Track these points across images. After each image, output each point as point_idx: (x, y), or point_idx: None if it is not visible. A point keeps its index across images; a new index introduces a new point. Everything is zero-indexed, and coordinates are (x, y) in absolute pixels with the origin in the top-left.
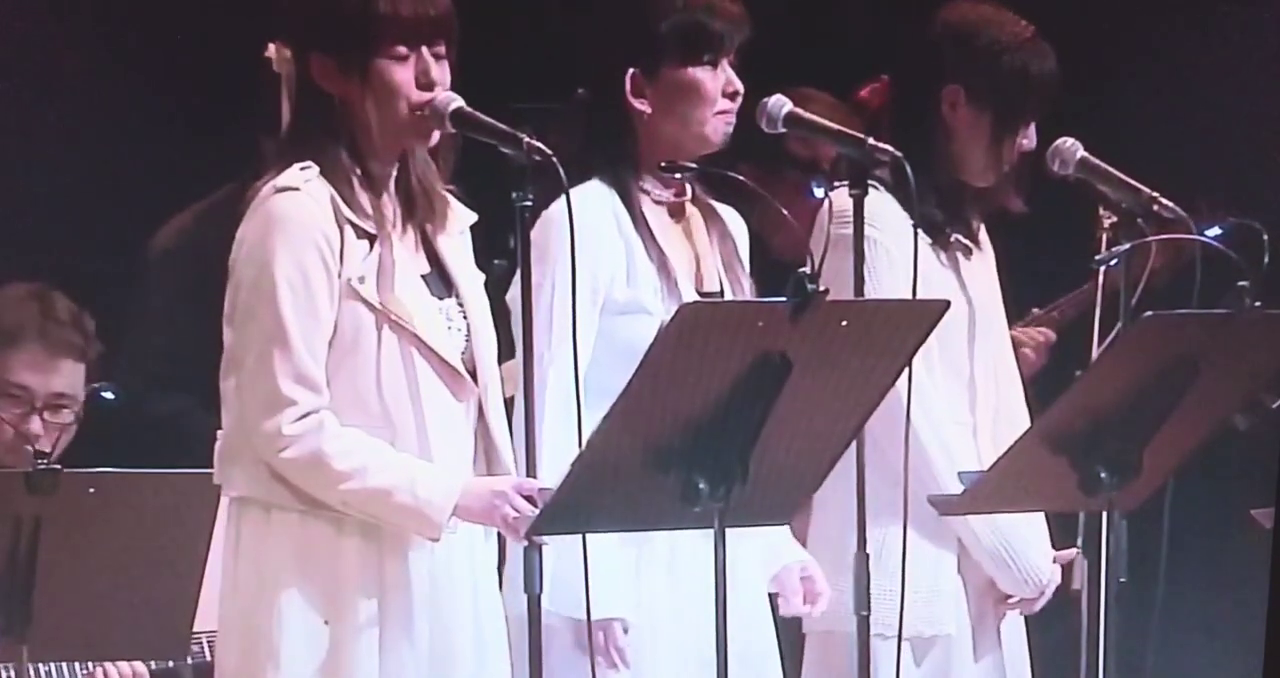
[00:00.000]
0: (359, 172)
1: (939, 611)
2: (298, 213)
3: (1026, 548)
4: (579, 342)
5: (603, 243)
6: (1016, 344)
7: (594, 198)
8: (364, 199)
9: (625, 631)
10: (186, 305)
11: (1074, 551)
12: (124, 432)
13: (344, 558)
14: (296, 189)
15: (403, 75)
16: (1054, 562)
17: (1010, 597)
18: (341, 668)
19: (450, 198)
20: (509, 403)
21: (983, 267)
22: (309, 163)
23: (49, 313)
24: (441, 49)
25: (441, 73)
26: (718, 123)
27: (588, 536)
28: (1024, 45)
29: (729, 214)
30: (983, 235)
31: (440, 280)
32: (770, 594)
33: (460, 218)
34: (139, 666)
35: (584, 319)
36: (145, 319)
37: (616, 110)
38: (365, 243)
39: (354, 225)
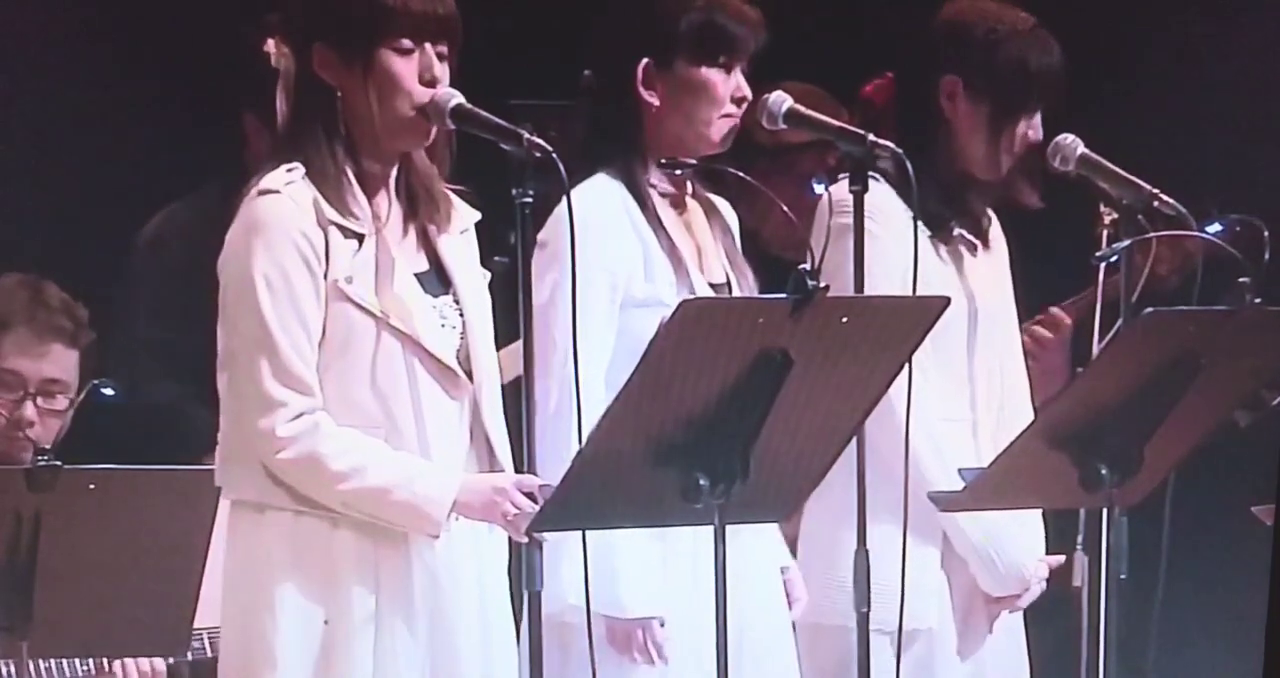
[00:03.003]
0: (353, 169)
1: (920, 605)
2: (277, 215)
3: (1011, 545)
4: (600, 339)
5: (619, 238)
6: (1026, 345)
7: (604, 192)
8: (355, 198)
9: (662, 625)
10: (176, 296)
11: (1062, 557)
12: (124, 427)
13: (339, 554)
14: (277, 192)
15: (405, 69)
16: (1041, 561)
17: (995, 595)
18: (336, 665)
19: (453, 196)
20: (510, 389)
21: (990, 264)
22: (295, 164)
23: (38, 298)
24: (444, 49)
25: (444, 73)
26: (722, 125)
27: (613, 533)
28: (1022, 36)
29: (723, 206)
30: (994, 233)
31: (437, 278)
32: None
33: (463, 216)
34: (158, 663)
35: (604, 316)
36: (136, 310)
37: (625, 99)
38: (353, 243)
39: (339, 226)
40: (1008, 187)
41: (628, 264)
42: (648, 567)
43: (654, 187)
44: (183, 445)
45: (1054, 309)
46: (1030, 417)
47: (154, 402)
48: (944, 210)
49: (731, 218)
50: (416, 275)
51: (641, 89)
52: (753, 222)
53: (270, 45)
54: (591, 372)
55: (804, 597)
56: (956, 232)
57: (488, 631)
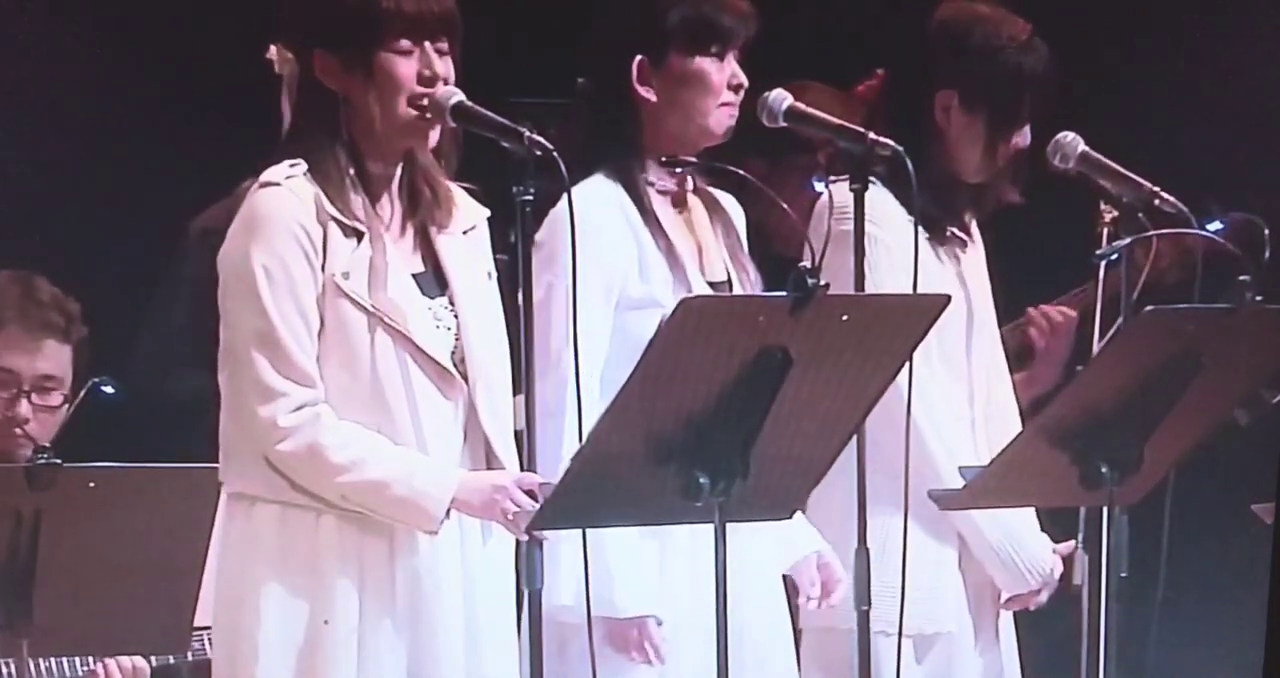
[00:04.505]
0: (354, 170)
1: (940, 608)
2: (277, 207)
3: (1030, 541)
4: (595, 340)
5: (614, 239)
6: (1030, 325)
7: (600, 193)
8: (356, 198)
9: (659, 624)
10: (208, 289)
11: (1073, 543)
12: (127, 425)
13: (324, 551)
14: (277, 184)
15: (405, 69)
16: (1055, 555)
17: (1014, 594)
18: (319, 662)
19: (460, 195)
20: (518, 435)
21: (974, 258)
22: (298, 160)
23: (29, 294)
24: (445, 45)
25: (445, 68)
26: (721, 115)
27: (606, 531)
28: (1018, 47)
29: (728, 202)
30: (973, 229)
31: (434, 280)
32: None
33: (469, 215)
34: (139, 660)
35: (600, 317)
36: (171, 301)
37: (622, 98)
38: (352, 240)
39: (338, 222)
40: (990, 188)
41: (623, 264)
42: (642, 566)
43: (652, 184)
44: (205, 437)
45: (1051, 307)
46: (1014, 413)
47: (181, 389)
48: (937, 211)
49: (737, 215)
50: (414, 276)
51: (637, 86)
52: (768, 224)
53: (273, 52)
54: (587, 372)
55: (845, 579)
56: (949, 231)
57: (475, 634)
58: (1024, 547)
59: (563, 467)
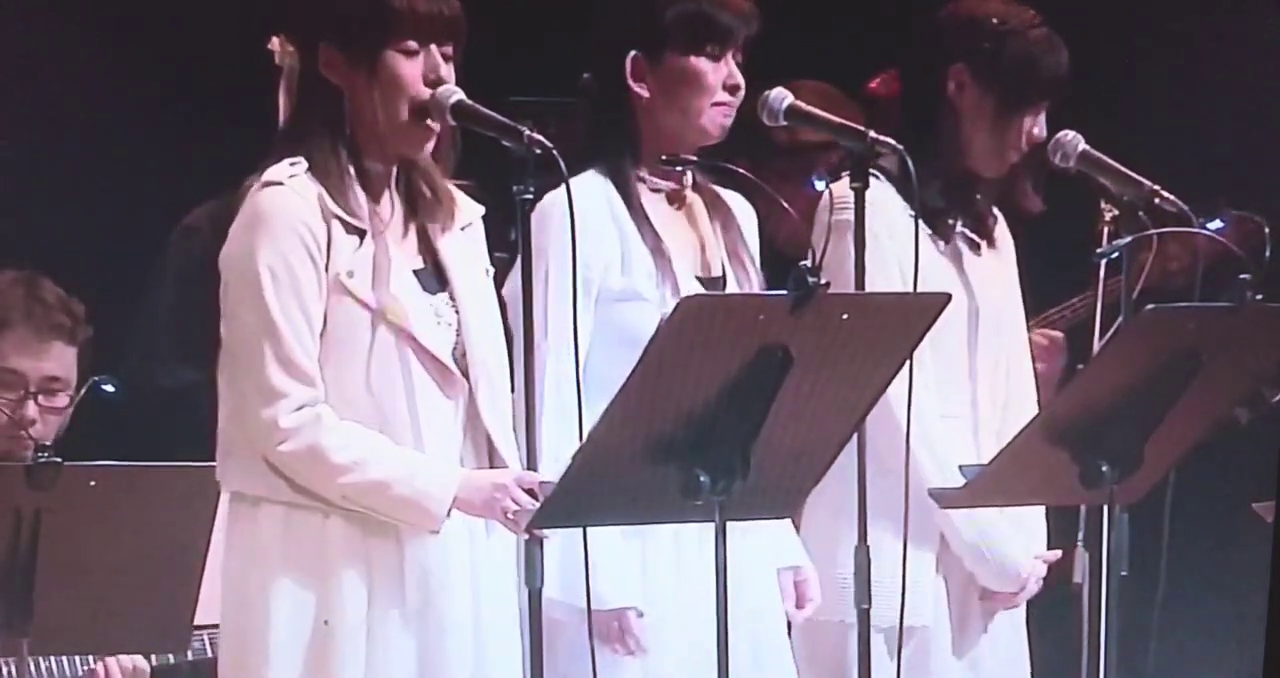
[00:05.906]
0: (354, 168)
1: (915, 602)
2: (281, 207)
3: (1004, 542)
4: (576, 332)
5: (595, 231)
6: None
7: (587, 187)
8: (356, 195)
9: (640, 616)
10: (201, 285)
11: (1059, 552)
12: (127, 423)
13: (331, 550)
14: (281, 184)
15: (410, 70)
16: (1037, 558)
17: (994, 592)
18: (330, 660)
19: (457, 192)
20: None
21: (995, 262)
22: (299, 159)
23: (35, 296)
24: (449, 50)
25: (449, 74)
26: (715, 114)
27: (590, 528)
28: (1030, 30)
29: (735, 200)
30: (1000, 232)
31: (434, 276)
32: None
33: (466, 212)
34: (139, 660)
35: (579, 309)
36: (161, 295)
37: (617, 92)
38: (354, 238)
39: (341, 220)
40: (1010, 187)
41: (603, 257)
42: (621, 559)
43: (644, 181)
44: (196, 433)
45: (1036, 333)
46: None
47: (168, 383)
48: (945, 207)
49: (743, 212)
50: (414, 273)
51: (632, 82)
52: (767, 223)
53: (274, 43)
54: (566, 365)
55: (817, 597)
56: (958, 229)
57: (481, 631)
58: (996, 547)
59: (549, 459)
